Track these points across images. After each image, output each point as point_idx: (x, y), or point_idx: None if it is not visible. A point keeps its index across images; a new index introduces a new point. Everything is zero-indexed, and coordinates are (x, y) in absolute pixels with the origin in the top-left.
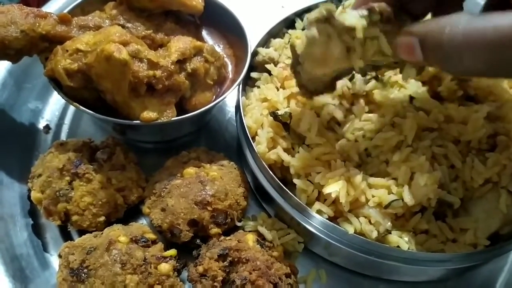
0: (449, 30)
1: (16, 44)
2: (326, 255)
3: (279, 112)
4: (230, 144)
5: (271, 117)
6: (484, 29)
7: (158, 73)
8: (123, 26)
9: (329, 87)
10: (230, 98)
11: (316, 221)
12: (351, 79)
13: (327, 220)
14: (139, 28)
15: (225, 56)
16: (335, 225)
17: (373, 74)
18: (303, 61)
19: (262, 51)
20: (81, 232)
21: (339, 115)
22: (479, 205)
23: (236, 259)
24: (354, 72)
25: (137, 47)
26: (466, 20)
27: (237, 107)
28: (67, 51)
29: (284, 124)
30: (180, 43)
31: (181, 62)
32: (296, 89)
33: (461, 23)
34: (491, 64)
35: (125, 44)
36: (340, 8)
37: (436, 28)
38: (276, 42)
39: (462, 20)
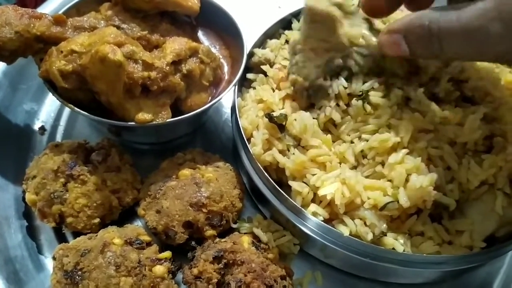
0: (428, 25)
1: (11, 45)
2: (322, 257)
3: (275, 114)
4: (226, 145)
5: (267, 119)
6: (451, 21)
7: (153, 74)
8: (118, 27)
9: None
10: (227, 99)
11: (311, 223)
12: (347, 79)
13: (323, 222)
14: (134, 29)
15: (221, 57)
16: (331, 227)
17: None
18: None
19: (258, 52)
20: (76, 234)
21: (336, 116)
22: (475, 207)
23: (231, 261)
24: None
25: (132, 48)
26: (439, 14)
27: (233, 108)
28: (61, 52)
29: (279, 125)
30: (175, 44)
31: (176, 63)
32: (291, 90)
33: (436, 17)
34: (463, 48)
35: (120, 45)
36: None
37: (417, 24)
38: (272, 43)
39: (437, 14)
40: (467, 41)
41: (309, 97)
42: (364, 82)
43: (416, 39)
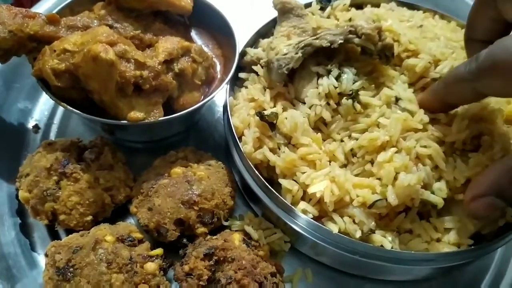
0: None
1: (4, 44)
2: (313, 254)
3: (266, 112)
4: (219, 144)
5: (258, 117)
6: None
7: (145, 73)
8: (111, 26)
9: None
10: (220, 98)
11: (301, 220)
12: (337, 78)
13: (312, 220)
14: (127, 28)
15: (214, 56)
16: (320, 224)
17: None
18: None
19: (251, 51)
20: (69, 231)
21: (326, 115)
22: (461, 205)
23: (222, 258)
24: None
25: (124, 47)
26: None
27: (225, 107)
28: (54, 51)
29: (270, 124)
30: (167, 43)
31: (168, 62)
32: (282, 89)
33: None
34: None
35: (112, 44)
36: (328, 8)
37: (508, 178)
38: (265, 42)
39: None
40: None
41: (281, 72)
42: (354, 82)
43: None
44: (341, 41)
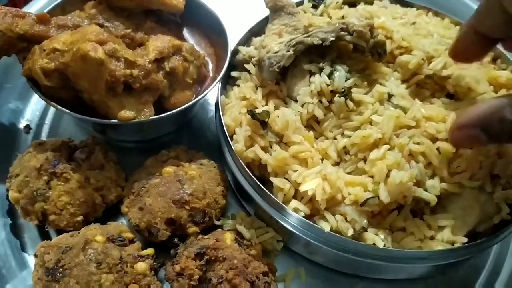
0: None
1: None
2: (306, 253)
3: (257, 111)
4: (212, 142)
5: (249, 115)
6: None
7: (135, 72)
8: (101, 25)
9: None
10: (213, 97)
11: (293, 219)
12: (329, 76)
13: (304, 218)
14: (118, 27)
15: (206, 55)
16: (312, 223)
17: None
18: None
19: (243, 49)
20: (59, 232)
21: (319, 113)
22: (456, 202)
23: (213, 258)
24: None
25: (114, 46)
26: None
27: (216, 106)
28: (44, 50)
29: (262, 122)
30: (158, 42)
31: (159, 61)
32: (274, 87)
33: None
34: None
35: (102, 43)
36: (321, 6)
37: (497, 117)
38: (257, 40)
39: None
40: None
41: (272, 71)
42: (346, 79)
43: (499, 133)
44: (333, 39)
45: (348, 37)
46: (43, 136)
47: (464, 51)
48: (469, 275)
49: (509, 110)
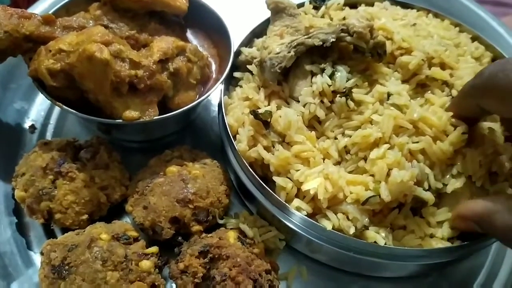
0: (498, 224)
1: (0, 45)
2: (308, 251)
3: (260, 111)
4: (215, 142)
5: (252, 116)
6: None
7: (140, 72)
8: (106, 27)
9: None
10: (216, 97)
11: (295, 217)
12: (331, 76)
13: (306, 217)
14: (122, 29)
15: (209, 55)
16: (314, 221)
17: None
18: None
19: (245, 50)
20: (65, 230)
21: (320, 113)
22: (453, 197)
23: (216, 256)
24: None
25: (119, 47)
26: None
27: (219, 106)
28: (50, 51)
29: (264, 122)
30: (162, 43)
31: (163, 62)
32: (276, 88)
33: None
34: None
35: (107, 44)
36: (322, 8)
37: (487, 218)
38: (260, 41)
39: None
40: None
41: (274, 71)
42: (348, 79)
43: (490, 232)
44: (333, 40)
45: (348, 38)
46: (48, 136)
47: (460, 114)
48: (469, 273)
49: (500, 217)
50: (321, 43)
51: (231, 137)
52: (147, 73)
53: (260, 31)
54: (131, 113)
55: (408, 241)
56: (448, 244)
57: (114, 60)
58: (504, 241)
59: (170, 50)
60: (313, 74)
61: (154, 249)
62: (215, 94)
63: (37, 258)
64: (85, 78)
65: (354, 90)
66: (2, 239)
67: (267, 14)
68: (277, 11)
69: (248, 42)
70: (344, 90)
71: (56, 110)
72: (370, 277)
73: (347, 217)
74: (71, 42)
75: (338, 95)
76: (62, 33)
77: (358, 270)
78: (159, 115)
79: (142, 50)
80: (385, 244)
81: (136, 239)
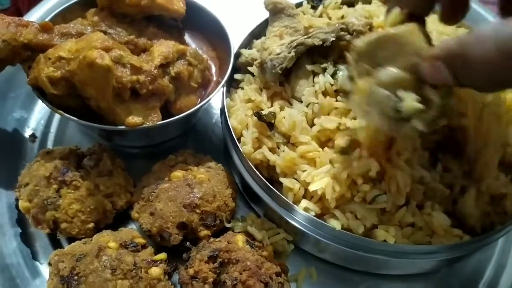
0: (478, 45)
1: None
2: (316, 252)
3: (263, 112)
4: (217, 146)
5: (256, 117)
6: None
7: (142, 77)
8: (105, 32)
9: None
10: (216, 100)
11: (303, 218)
12: (333, 76)
13: (314, 217)
14: (121, 34)
15: (208, 58)
16: (323, 222)
17: None
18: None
19: (245, 52)
20: (71, 239)
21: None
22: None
23: (226, 260)
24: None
25: (120, 52)
26: (493, 29)
27: (222, 109)
28: (49, 59)
29: (268, 123)
30: (162, 47)
31: (164, 66)
32: (278, 88)
33: (490, 33)
34: None
35: (107, 50)
36: (320, 7)
37: (460, 50)
38: (259, 43)
39: (489, 29)
40: None
41: (275, 72)
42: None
43: (461, 69)
44: (333, 39)
45: (348, 37)
46: (49, 145)
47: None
48: (477, 267)
49: (477, 47)
50: (321, 42)
51: (236, 139)
52: (149, 78)
53: (258, 32)
54: (134, 119)
55: (417, 238)
56: (457, 240)
57: (115, 66)
58: (488, 83)
59: (170, 54)
60: (315, 74)
61: (162, 255)
62: (215, 97)
63: (43, 269)
64: (86, 85)
65: None
66: (8, 251)
67: (265, 15)
68: (276, 12)
69: (247, 43)
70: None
71: (56, 118)
72: (378, 275)
73: (356, 216)
74: (70, 49)
75: (340, 94)
76: (61, 40)
77: (366, 269)
78: (161, 120)
79: (142, 55)
80: (395, 242)
81: (144, 246)
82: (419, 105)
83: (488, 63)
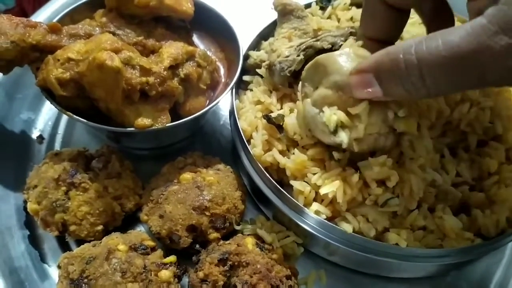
0: (403, 58)
1: (7, 55)
2: (326, 255)
3: (272, 115)
4: (225, 148)
5: (265, 120)
6: (437, 49)
7: (151, 79)
8: (113, 34)
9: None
10: (224, 102)
11: (314, 221)
12: None
13: (325, 221)
14: (129, 35)
15: (217, 60)
16: (334, 225)
17: None
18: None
19: (253, 54)
20: (79, 242)
21: None
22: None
23: (236, 263)
24: None
25: (129, 54)
26: (416, 44)
27: (231, 111)
28: (58, 60)
29: (278, 126)
30: (172, 49)
31: (173, 68)
32: (288, 90)
33: (413, 47)
34: (453, 80)
35: (116, 51)
36: (329, 8)
37: (389, 58)
38: (267, 44)
39: (413, 44)
40: (463, 68)
41: (283, 75)
42: None
43: (389, 77)
44: (342, 43)
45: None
46: (57, 146)
47: (374, 27)
48: (486, 270)
49: (403, 49)
50: (330, 46)
51: (245, 141)
52: (158, 79)
53: (267, 33)
54: (143, 121)
55: (428, 242)
56: (469, 243)
57: (125, 68)
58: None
59: (180, 55)
60: None
61: (172, 258)
62: (222, 99)
63: (52, 271)
64: (95, 87)
65: None
66: (17, 254)
67: (273, 16)
68: (285, 13)
69: (255, 45)
70: None
71: (64, 119)
72: (388, 278)
73: (367, 220)
74: (79, 51)
75: None
76: (69, 41)
77: (376, 272)
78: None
79: (151, 56)
80: (407, 245)
81: (153, 249)
82: (335, 117)
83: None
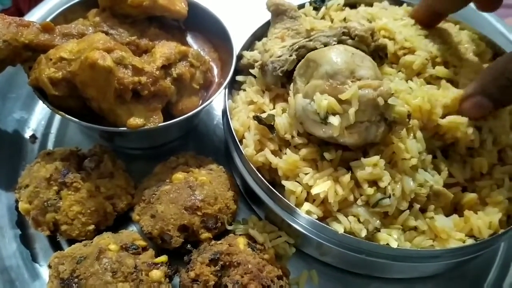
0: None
1: None
2: (318, 255)
3: (263, 115)
4: (219, 148)
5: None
6: None
7: (143, 79)
8: (106, 33)
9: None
10: (217, 102)
11: (306, 221)
12: None
13: (317, 221)
14: (123, 35)
15: (210, 60)
16: (325, 225)
17: None
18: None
19: (247, 54)
20: (71, 241)
21: None
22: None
23: (227, 263)
24: None
25: (121, 53)
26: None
27: (224, 111)
28: (50, 59)
29: (269, 126)
30: (164, 48)
31: (166, 67)
32: (281, 90)
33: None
34: None
35: (109, 51)
36: (323, 8)
37: (491, 77)
38: (260, 44)
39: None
40: None
41: (276, 75)
42: None
43: (499, 94)
44: (335, 43)
45: (349, 41)
46: (49, 146)
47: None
48: (480, 270)
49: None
50: (322, 46)
51: (238, 141)
52: (151, 79)
53: (260, 33)
54: (136, 121)
55: (420, 242)
56: (460, 244)
57: (117, 67)
58: None
59: (172, 55)
60: None
61: (163, 258)
62: (216, 99)
63: (43, 271)
64: (87, 86)
65: None
66: (8, 253)
67: (267, 16)
68: (278, 14)
69: (249, 45)
70: None
71: (57, 119)
72: (380, 278)
73: (358, 220)
74: (72, 50)
75: None
76: (62, 40)
77: (368, 272)
78: (163, 121)
79: (144, 56)
80: (398, 246)
81: (144, 249)
82: (325, 101)
83: None
